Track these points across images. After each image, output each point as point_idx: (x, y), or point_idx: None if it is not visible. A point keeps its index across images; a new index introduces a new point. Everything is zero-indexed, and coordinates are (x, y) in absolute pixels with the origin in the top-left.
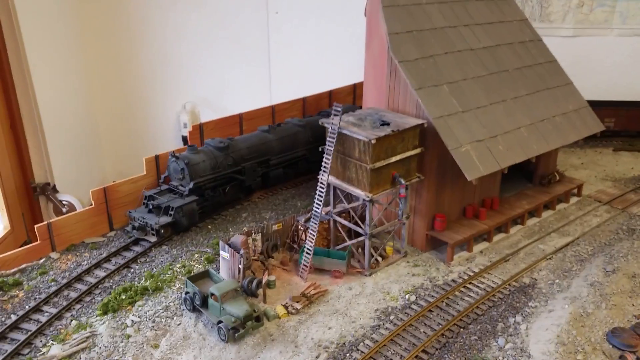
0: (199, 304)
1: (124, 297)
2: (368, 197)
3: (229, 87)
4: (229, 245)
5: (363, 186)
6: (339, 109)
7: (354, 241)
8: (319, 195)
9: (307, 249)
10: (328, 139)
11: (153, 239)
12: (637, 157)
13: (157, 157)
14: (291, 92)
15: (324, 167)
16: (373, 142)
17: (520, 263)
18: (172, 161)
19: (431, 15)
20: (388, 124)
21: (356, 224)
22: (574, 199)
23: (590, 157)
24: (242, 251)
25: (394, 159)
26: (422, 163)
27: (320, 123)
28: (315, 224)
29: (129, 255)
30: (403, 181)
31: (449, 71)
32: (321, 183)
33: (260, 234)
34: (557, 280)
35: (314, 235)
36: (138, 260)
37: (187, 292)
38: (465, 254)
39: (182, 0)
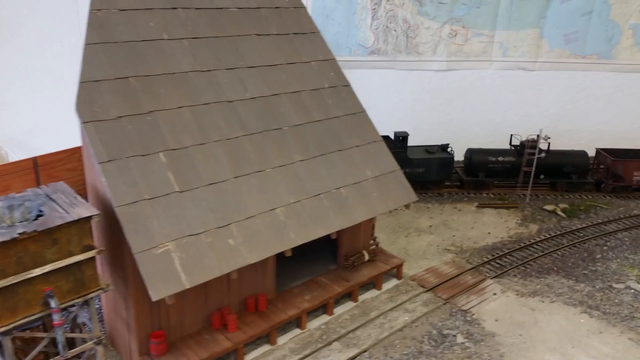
0: None
1: None
2: None
3: (42, 124)
4: None
5: None
6: None
7: None
8: None
9: None
10: None
11: None
12: (503, 215)
13: None
14: None
15: None
16: None
17: None
18: None
19: (172, 55)
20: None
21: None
22: (392, 282)
23: (445, 216)
24: None
25: (37, 271)
26: (122, 264)
27: None
28: None
29: None
30: (54, 304)
31: (177, 133)
32: None
33: None
34: None
35: None
36: None
37: None
38: None
39: None
